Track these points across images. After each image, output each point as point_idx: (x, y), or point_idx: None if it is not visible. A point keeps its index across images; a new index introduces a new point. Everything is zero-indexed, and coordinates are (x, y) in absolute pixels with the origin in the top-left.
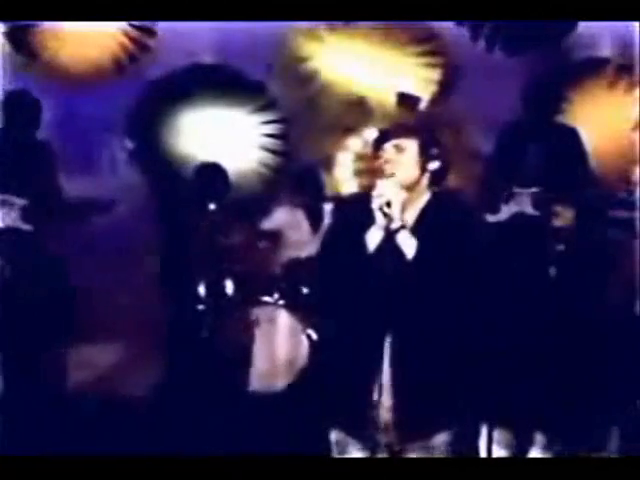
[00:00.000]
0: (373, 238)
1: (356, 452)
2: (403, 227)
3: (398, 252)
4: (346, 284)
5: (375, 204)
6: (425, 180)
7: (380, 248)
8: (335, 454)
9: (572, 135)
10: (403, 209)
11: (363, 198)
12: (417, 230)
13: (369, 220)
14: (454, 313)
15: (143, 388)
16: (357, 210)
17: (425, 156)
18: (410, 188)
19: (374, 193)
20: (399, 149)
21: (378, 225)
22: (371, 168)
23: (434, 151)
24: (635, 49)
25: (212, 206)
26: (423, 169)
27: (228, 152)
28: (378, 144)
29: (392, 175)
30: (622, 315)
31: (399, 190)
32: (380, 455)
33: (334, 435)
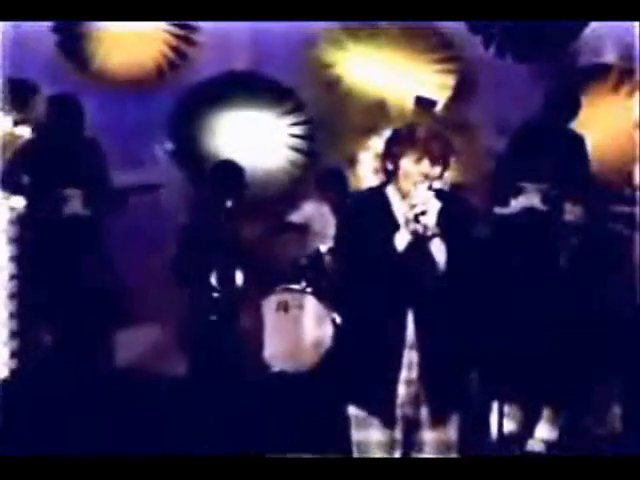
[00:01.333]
0: (402, 241)
1: (374, 428)
2: (436, 235)
3: (427, 254)
4: (369, 270)
5: (410, 213)
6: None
7: (408, 249)
8: (353, 430)
9: (579, 142)
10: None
11: (384, 191)
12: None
13: (390, 211)
14: (471, 302)
15: (173, 370)
16: (379, 201)
17: (445, 169)
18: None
19: (408, 202)
20: (435, 162)
21: (409, 229)
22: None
23: (450, 163)
24: (636, 50)
25: (230, 202)
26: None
27: (259, 151)
28: (413, 148)
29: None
30: (624, 302)
31: (434, 199)
32: (396, 431)
33: (353, 411)
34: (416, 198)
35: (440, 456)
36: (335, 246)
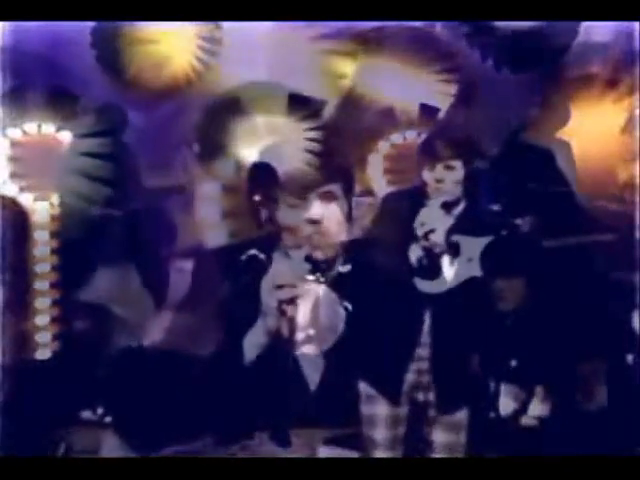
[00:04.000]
0: (414, 254)
1: (381, 407)
2: (444, 252)
3: (437, 269)
4: (382, 267)
5: (419, 232)
6: (461, 193)
7: (420, 262)
8: (363, 407)
9: (566, 149)
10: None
11: (403, 195)
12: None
13: (411, 213)
14: (474, 294)
15: (200, 350)
16: (400, 205)
17: (466, 174)
18: (451, 205)
19: (417, 221)
20: (449, 168)
21: (420, 245)
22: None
23: (473, 168)
24: (635, 52)
25: (258, 198)
26: (464, 186)
27: (278, 154)
28: (430, 159)
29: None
30: (618, 292)
31: (442, 216)
32: (402, 409)
33: (363, 388)
34: (425, 216)
35: (447, 455)
36: (367, 237)
